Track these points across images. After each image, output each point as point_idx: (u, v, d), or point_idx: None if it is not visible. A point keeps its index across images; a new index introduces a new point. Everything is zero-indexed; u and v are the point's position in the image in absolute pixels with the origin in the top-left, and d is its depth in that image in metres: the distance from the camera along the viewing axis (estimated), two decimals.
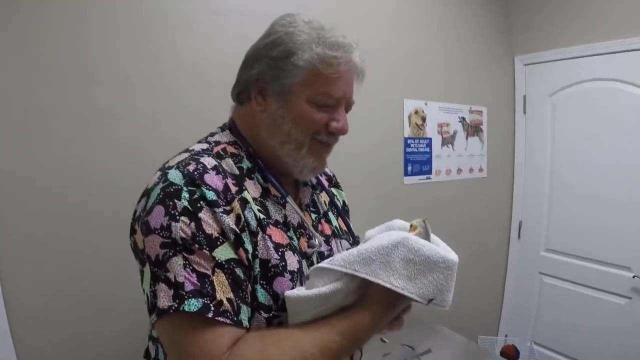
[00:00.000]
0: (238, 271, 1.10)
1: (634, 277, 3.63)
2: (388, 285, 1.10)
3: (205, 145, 1.30)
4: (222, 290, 1.06)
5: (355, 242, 1.61)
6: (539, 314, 4.38)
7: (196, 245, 1.06)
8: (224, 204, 1.13)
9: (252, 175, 1.30)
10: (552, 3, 4.07)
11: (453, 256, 1.17)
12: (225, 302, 1.05)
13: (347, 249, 1.42)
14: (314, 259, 1.36)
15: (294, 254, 1.26)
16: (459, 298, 3.64)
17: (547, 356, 4.22)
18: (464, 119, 3.99)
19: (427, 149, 3.74)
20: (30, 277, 2.16)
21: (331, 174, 1.84)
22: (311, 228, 1.40)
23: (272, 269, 1.18)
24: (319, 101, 1.28)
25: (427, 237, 1.22)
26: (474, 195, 4.18)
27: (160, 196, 1.09)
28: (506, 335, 4.43)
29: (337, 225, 1.59)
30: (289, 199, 1.35)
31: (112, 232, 2.23)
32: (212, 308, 1.02)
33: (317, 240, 1.39)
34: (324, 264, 1.16)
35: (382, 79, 3.34)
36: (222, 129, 1.43)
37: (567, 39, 3.97)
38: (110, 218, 2.29)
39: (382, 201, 3.45)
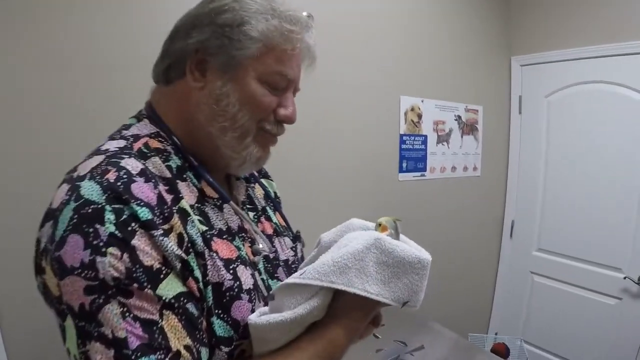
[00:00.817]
0: (191, 307, 0.88)
1: (624, 278, 3.63)
2: (363, 294, 0.95)
3: (121, 142, 1.01)
4: (177, 337, 0.83)
5: (296, 237, 1.42)
6: (530, 312, 4.37)
7: (135, 285, 0.80)
8: (161, 222, 0.87)
9: (185, 175, 1.05)
10: (550, 5, 4.06)
11: (427, 255, 1.03)
12: (183, 351, 0.83)
13: (290, 248, 1.34)
14: (261, 266, 1.16)
15: (246, 268, 1.05)
16: (450, 295, 3.67)
17: (537, 355, 4.22)
18: (459, 117, 3.97)
19: (423, 146, 3.71)
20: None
21: None
22: (255, 229, 1.20)
23: (227, 293, 0.97)
24: (271, 81, 1.08)
25: (397, 238, 1.09)
26: (468, 194, 4.16)
27: (75, 221, 0.81)
28: (496, 333, 4.42)
29: (277, 222, 1.38)
30: (233, 204, 1.14)
31: None
32: None
33: (262, 243, 1.19)
34: (295, 279, 0.98)
35: (379, 75, 3.32)
36: (138, 118, 1.13)
37: (564, 41, 3.97)
38: None
39: (376, 197, 3.43)
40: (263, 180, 1.48)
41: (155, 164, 0.99)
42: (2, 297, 2.07)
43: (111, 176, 0.85)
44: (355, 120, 3.20)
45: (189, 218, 0.94)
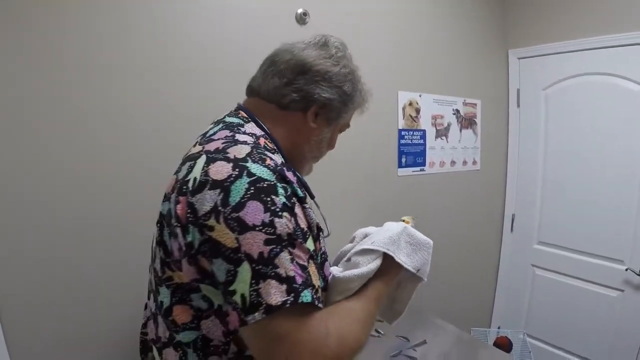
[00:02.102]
0: (317, 260, 1.21)
1: (626, 269, 3.59)
2: (398, 261, 1.41)
3: (248, 137, 1.25)
4: (315, 278, 1.11)
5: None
6: (532, 306, 4.33)
7: (299, 240, 1.09)
8: (304, 200, 1.20)
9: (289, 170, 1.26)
10: None
11: (430, 240, 1.52)
12: (318, 289, 1.11)
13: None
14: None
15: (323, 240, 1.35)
16: (452, 290, 3.60)
17: (540, 348, 4.17)
18: (458, 111, 3.91)
19: (421, 141, 3.65)
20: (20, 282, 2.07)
21: None
22: (322, 215, 1.51)
23: (322, 256, 1.29)
24: (341, 130, 1.57)
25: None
26: (468, 188, 4.10)
27: (252, 191, 1.04)
28: (499, 327, 4.39)
29: None
30: (312, 201, 1.41)
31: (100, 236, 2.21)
32: (316, 296, 1.07)
33: (327, 227, 1.47)
34: (369, 245, 1.40)
35: (376, 70, 3.24)
36: (242, 119, 1.37)
37: (561, 33, 3.92)
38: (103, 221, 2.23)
39: (376, 192, 3.37)
40: None
41: (275, 159, 1.20)
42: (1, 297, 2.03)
43: (270, 163, 1.12)
44: (353, 116, 3.10)
45: (307, 200, 1.26)
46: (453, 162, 3.95)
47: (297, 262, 1.05)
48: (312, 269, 1.11)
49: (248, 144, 1.18)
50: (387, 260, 1.40)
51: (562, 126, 4.02)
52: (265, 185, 1.05)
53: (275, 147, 1.32)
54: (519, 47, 4.26)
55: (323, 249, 1.30)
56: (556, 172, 4.09)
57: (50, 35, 2.05)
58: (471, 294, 4.28)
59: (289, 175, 1.14)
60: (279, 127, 1.38)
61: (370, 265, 1.35)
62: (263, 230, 1.01)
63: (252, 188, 1.04)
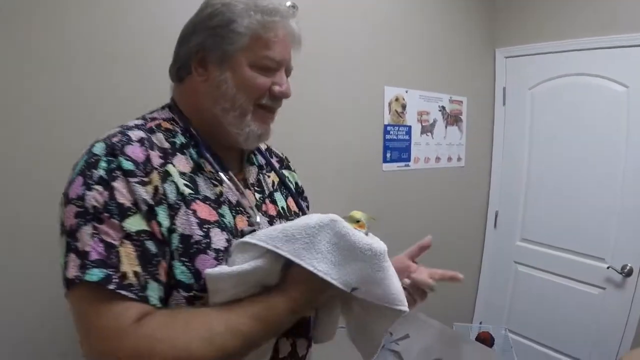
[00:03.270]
0: (149, 244, 1.03)
1: (608, 267, 3.57)
2: (310, 268, 1.02)
3: (140, 121, 1.23)
4: (128, 263, 0.99)
5: None
6: (514, 302, 4.30)
7: (106, 214, 0.99)
8: (141, 174, 1.06)
9: (185, 151, 1.23)
10: None
11: (381, 246, 1.07)
12: (130, 274, 0.98)
13: None
14: None
15: (222, 232, 1.15)
16: (435, 285, 3.55)
17: (521, 343, 4.14)
18: (444, 108, 3.85)
19: (407, 137, 3.59)
20: None
21: (283, 157, 1.76)
22: (252, 206, 1.30)
23: (195, 246, 1.09)
24: (261, 64, 1.25)
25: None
26: (452, 184, 4.05)
27: (82, 167, 1.04)
28: (480, 323, 4.33)
29: (285, 206, 1.50)
30: (223, 175, 1.25)
31: None
32: (115, 280, 0.96)
33: (259, 218, 1.27)
34: (247, 237, 1.08)
35: (363, 65, 3.19)
36: (163, 107, 1.36)
37: (548, 34, 3.91)
38: None
39: (360, 187, 3.31)
40: (285, 172, 1.67)
41: (158, 138, 1.19)
42: None
43: (115, 139, 1.08)
44: (339, 110, 3.07)
45: (169, 178, 1.11)
46: (438, 159, 3.89)
47: (100, 237, 0.97)
48: (127, 250, 0.99)
49: (124, 126, 1.17)
50: (296, 267, 1.05)
51: (547, 125, 4.00)
52: (93, 160, 1.04)
53: (177, 128, 1.26)
54: (506, 46, 4.22)
55: (195, 236, 1.09)
56: (540, 170, 4.07)
57: None
58: (454, 290, 4.17)
59: (131, 149, 1.07)
60: (184, 102, 1.32)
61: (244, 266, 1.03)
62: (76, 204, 1.00)
63: (84, 164, 1.04)
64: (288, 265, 1.06)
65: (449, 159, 4.00)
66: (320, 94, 2.96)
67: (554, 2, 3.85)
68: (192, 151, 1.23)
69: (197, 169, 1.22)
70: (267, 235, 1.04)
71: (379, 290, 1.07)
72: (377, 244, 1.06)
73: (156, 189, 1.07)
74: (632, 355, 3.07)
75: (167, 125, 1.25)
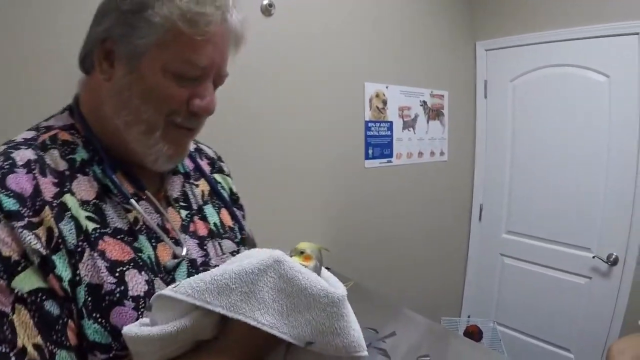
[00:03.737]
0: (49, 305, 0.79)
1: (593, 257, 3.58)
2: (253, 323, 0.78)
3: (31, 134, 0.95)
4: (26, 334, 0.75)
5: (243, 240, 1.25)
6: (501, 294, 4.29)
7: None
8: (29, 214, 0.81)
9: (88, 170, 0.95)
10: None
11: (339, 291, 0.84)
12: (30, 350, 0.74)
13: (231, 252, 1.16)
14: (183, 270, 1.01)
15: (140, 273, 0.91)
16: (421, 280, 3.55)
17: (510, 335, 4.13)
18: (425, 102, 3.81)
19: (389, 133, 3.55)
20: None
21: (215, 156, 1.40)
22: (176, 231, 1.05)
23: (107, 297, 0.85)
24: (179, 71, 0.93)
25: (318, 271, 0.90)
26: (435, 179, 4.02)
27: None
28: (469, 316, 4.33)
29: (218, 222, 1.20)
30: (134, 202, 0.97)
31: None
32: (13, 359, 0.73)
33: (185, 247, 1.03)
34: (167, 291, 0.81)
35: (343, 61, 3.15)
36: (64, 109, 1.06)
37: (528, 26, 3.89)
38: None
39: (343, 185, 3.27)
40: (217, 176, 1.33)
41: (52, 157, 0.92)
42: None
43: None
44: (319, 108, 3.02)
45: (66, 213, 0.86)
46: (420, 154, 3.85)
47: None
48: (22, 318, 0.75)
49: (9, 142, 0.92)
50: (236, 320, 0.79)
51: (529, 117, 3.99)
52: None
53: (78, 139, 0.98)
54: (486, 39, 4.19)
55: (107, 285, 0.85)
56: (524, 162, 4.05)
57: None
58: (440, 284, 4.22)
59: (14, 179, 0.82)
60: (87, 104, 1.02)
61: (166, 327, 0.79)
62: None
63: None
64: (228, 317, 0.81)
65: (432, 153, 3.97)
66: (300, 92, 2.92)
67: None
68: (97, 169, 0.96)
69: (104, 192, 0.95)
70: (192, 288, 0.80)
71: (337, 340, 0.82)
72: (334, 287, 0.85)
73: (50, 231, 0.82)
74: (620, 343, 3.06)
75: (66, 136, 0.97)
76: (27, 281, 0.77)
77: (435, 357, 2.31)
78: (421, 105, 3.79)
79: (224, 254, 1.15)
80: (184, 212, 1.12)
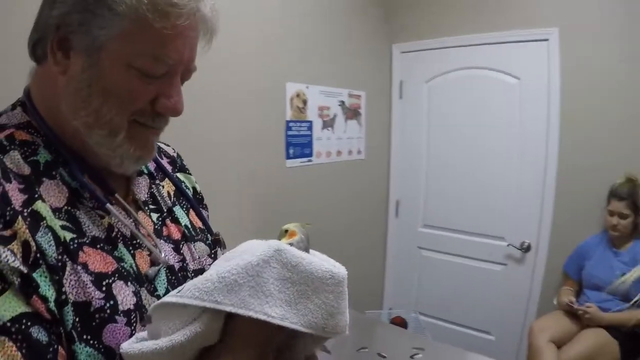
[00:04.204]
0: (36, 332, 0.66)
1: (507, 245, 3.78)
2: (263, 318, 0.70)
3: None
4: None
5: (215, 241, 1.15)
6: (421, 286, 4.40)
7: None
8: (0, 227, 0.67)
9: (54, 172, 0.82)
10: None
11: (341, 270, 0.79)
12: None
13: (208, 255, 1.09)
14: (162, 278, 0.92)
15: (126, 284, 0.81)
16: None
17: (434, 324, 4.23)
18: (343, 102, 3.85)
19: (309, 132, 3.57)
20: None
21: (174, 155, 1.26)
22: (152, 236, 0.94)
23: (97, 315, 0.74)
24: (144, 67, 0.81)
25: (306, 248, 0.83)
26: (353, 177, 4.07)
27: None
28: (390, 309, 4.39)
29: (189, 223, 1.10)
30: (110, 206, 0.86)
31: None
32: None
33: (162, 252, 0.94)
34: (171, 297, 0.73)
35: (264, 61, 3.13)
36: (14, 105, 0.89)
37: (443, 30, 4.05)
38: None
39: (265, 184, 3.24)
40: (180, 175, 1.21)
41: (14, 159, 0.78)
42: None
43: None
44: (241, 107, 2.99)
45: (42, 223, 0.73)
46: (339, 152, 3.89)
47: None
48: (7, 351, 0.62)
49: None
50: (242, 318, 0.69)
51: (444, 116, 4.13)
52: None
53: (38, 138, 0.84)
54: (402, 42, 4.30)
55: (95, 301, 0.75)
56: (439, 159, 4.19)
57: None
58: (362, 279, 4.24)
59: None
60: (38, 94, 0.88)
61: (176, 337, 0.70)
62: None
63: None
64: (231, 317, 0.73)
65: (350, 152, 4.01)
66: (221, 91, 2.88)
67: (448, 0, 4.00)
68: (63, 172, 0.83)
69: (74, 197, 0.83)
70: (199, 290, 0.71)
71: (343, 320, 0.79)
72: (338, 268, 0.79)
73: (26, 245, 0.69)
74: (541, 321, 3.24)
75: (23, 135, 0.83)
76: (7, 307, 0.64)
77: (372, 347, 2.33)
78: (339, 105, 3.83)
79: (199, 257, 1.06)
80: (154, 215, 1.01)
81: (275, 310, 0.71)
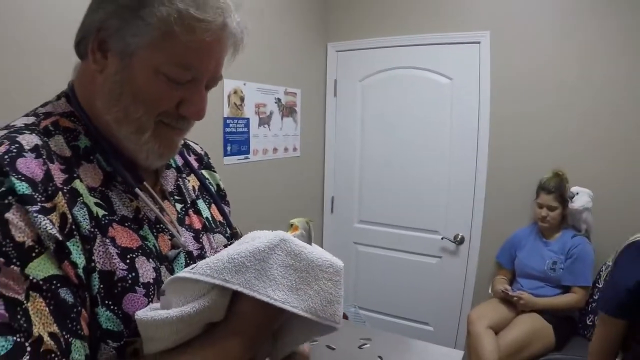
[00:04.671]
0: (63, 293, 0.73)
1: (442, 238, 3.88)
2: (265, 299, 0.79)
3: (31, 119, 0.89)
4: (42, 323, 0.69)
5: (233, 234, 1.22)
6: (358, 280, 4.43)
7: (1, 259, 0.68)
8: (42, 199, 0.75)
9: (92, 157, 0.90)
10: None
11: (339, 262, 0.87)
12: (46, 338, 0.69)
13: (224, 246, 1.13)
14: (181, 262, 0.99)
15: (148, 260, 0.89)
16: None
17: (372, 317, 4.29)
18: (279, 100, 3.85)
19: (245, 129, 3.54)
20: None
21: (202, 152, 1.35)
22: (175, 223, 1.02)
23: (119, 284, 0.82)
24: (172, 74, 0.88)
25: (308, 241, 0.92)
26: (289, 173, 4.08)
27: None
28: None
29: (210, 216, 1.18)
30: (138, 190, 0.94)
31: None
32: (29, 349, 0.67)
33: (182, 238, 1.01)
34: (185, 273, 0.80)
35: None
36: (59, 96, 0.98)
37: (377, 30, 4.12)
38: None
39: None
40: (204, 172, 1.29)
41: (57, 143, 0.86)
42: None
43: (1, 149, 0.76)
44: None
45: (79, 198, 0.82)
46: (275, 150, 3.88)
47: None
48: (38, 306, 0.70)
49: (10, 127, 0.86)
50: (247, 299, 0.80)
51: (377, 114, 4.20)
52: None
53: (79, 126, 0.92)
54: (337, 41, 4.34)
55: (119, 271, 0.83)
56: (373, 155, 4.25)
57: None
58: None
59: (24, 163, 0.76)
60: (80, 88, 0.96)
61: (185, 309, 0.78)
62: None
63: None
64: (236, 298, 0.83)
65: (286, 149, 4.01)
66: None
67: (383, 1, 4.07)
68: (100, 157, 0.92)
69: (108, 180, 0.91)
70: (211, 268, 0.79)
71: (339, 308, 0.86)
72: (336, 259, 0.87)
73: (64, 217, 0.77)
74: (478, 309, 3.34)
75: (67, 123, 0.91)
76: (41, 268, 0.71)
77: (321, 340, 2.33)
78: (276, 103, 3.82)
79: (216, 247, 1.13)
80: (179, 205, 1.09)
81: (277, 294, 0.79)
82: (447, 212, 3.87)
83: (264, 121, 3.73)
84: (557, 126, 3.48)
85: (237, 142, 3.45)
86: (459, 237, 3.80)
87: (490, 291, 3.56)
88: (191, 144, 1.34)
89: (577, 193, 3.23)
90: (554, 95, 3.48)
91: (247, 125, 3.54)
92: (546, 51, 3.48)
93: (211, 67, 0.93)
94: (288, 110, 3.98)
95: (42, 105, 0.96)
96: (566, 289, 3.21)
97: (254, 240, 0.85)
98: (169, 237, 0.98)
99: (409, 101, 3.99)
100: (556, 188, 3.27)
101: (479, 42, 3.65)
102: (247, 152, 3.57)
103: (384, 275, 4.24)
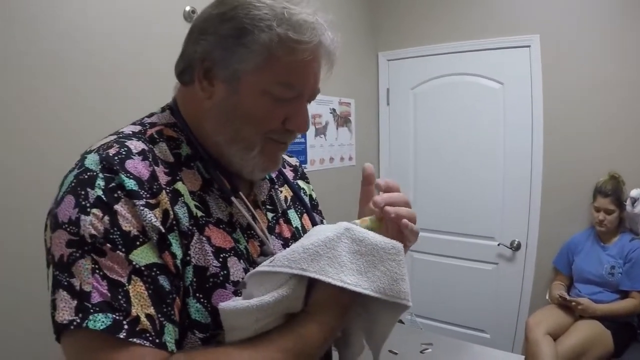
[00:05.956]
0: (162, 280, 0.80)
1: (498, 245, 3.79)
2: (339, 284, 0.82)
3: (137, 127, 0.98)
4: (140, 304, 0.76)
5: None
6: (414, 288, 3.95)
7: (109, 245, 0.76)
8: (147, 195, 0.83)
9: (192, 164, 0.98)
10: (413, 6, 4.16)
11: (398, 242, 0.89)
12: (143, 319, 0.75)
13: None
14: None
15: (239, 261, 0.95)
16: None
17: (429, 325, 4.24)
18: (334, 110, 3.87)
19: (303, 140, 3.58)
20: None
21: (297, 164, 1.40)
22: (265, 231, 1.06)
23: (211, 279, 0.88)
24: (277, 93, 0.94)
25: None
26: (345, 182, 4.01)
27: (73, 184, 0.81)
28: None
29: (300, 225, 1.21)
30: (234, 199, 1.00)
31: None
32: (126, 326, 0.73)
33: (272, 246, 1.05)
34: (263, 267, 0.85)
35: None
36: (163, 109, 1.07)
37: (427, 38, 4.11)
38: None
39: None
40: (300, 182, 1.35)
41: (162, 149, 0.95)
42: None
43: (112, 151, 0.84)
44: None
45: (180, 198, 0.89)
46: (332, 159, 3.90)
47: (103, 274, 0.75)
48: (138, 289, 0.77)
49: (119, 133, 0.94)
50: (321, 287, 0.85)
51: (430, 121, 4.17)
52: (86, 176, 0.81)
53: (182, 136, 1.01)
54: (387, 50, 4.34)
55: (212, 268, 0.89)
56: (427, 163, 4.22)
57: None
58: None
59: (132, 164, 0.84)
60: (186, 110, 1.03)
61: (266, 298, 0.81)
62: (68, 229, 0.78)
63: (74, 181, 0.82)
64: (311, 287, 0.88)
65: (342, 158, 4.02)
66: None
67: (431, 9, 4.05)
68: (199, 164, 0.99)
69: (206, 186, 0.98)
70: (288, 259, 0.83)
71: (405, 286, 0.87)
72: (393, 240, 0.88)
73: (166, 213, 0.85)
74: (536, 316, 3.26)
75: (170, 132, 1.00)
76: (144, 255, 0.79)
77: (384, 345, 2.34)
78: (331, 113, 3.84)
79: None
80: (270, 215, 1.14)
81: (349, 278, 0.84)
82: (502, 218, 3.80)
83: (320, 131, 3.74)
84: (612, 128, 3.39)
85: (295, 152, 3.48)
86: (516, 243, 3.73)
87: (547, 297, 3.48)
88: (286, 157, 1.37)
89: (639, 198, 3.12)
90: (608, 95, 3.39)
91: (304, 135, 3.55)
92: (597, 52, 3.40)
93: (311, 83, 1.00)
94: (343, 120, 3.99)
95: (148, 116, 1.05)
96: (625, 294, 3.10)
97: (319, 232, 0.89)
98: (259, 244, 1.03)
99: (461, 107, 3.95)
100: (612, 191, 3.19)
101: (529, 46, 3.60)
102: (305, 162, 3.61)
103: (440, 283, 4.18)
